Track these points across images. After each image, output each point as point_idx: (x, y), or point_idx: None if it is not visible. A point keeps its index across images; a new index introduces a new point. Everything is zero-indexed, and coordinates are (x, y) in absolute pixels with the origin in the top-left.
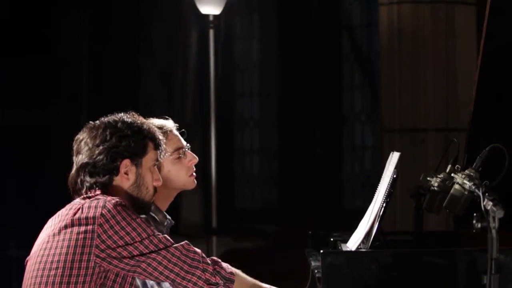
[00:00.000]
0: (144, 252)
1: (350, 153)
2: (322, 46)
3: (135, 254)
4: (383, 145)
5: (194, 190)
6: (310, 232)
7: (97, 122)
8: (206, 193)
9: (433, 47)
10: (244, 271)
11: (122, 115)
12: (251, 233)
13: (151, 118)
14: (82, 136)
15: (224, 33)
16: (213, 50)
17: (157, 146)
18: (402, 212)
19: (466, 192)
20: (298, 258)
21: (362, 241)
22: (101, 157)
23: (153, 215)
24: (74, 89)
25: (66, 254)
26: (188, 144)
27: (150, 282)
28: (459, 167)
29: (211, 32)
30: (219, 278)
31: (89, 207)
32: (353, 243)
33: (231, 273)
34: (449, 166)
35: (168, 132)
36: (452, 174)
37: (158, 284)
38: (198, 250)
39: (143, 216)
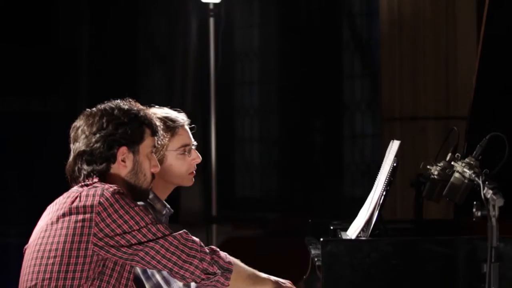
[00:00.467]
0: (142, 240)
1: (350, 142)
2: (322, 35)
3: (133, 242)
4: (383, 134)
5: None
6: (310, 220)
7: (94, 109)
8: (206, 181)
9: (434, 35)
10: (243, 259)
11: (118, 101)
12: (251, 221)
13: (165, 108)
14: (79, 124)
15: (224, 21)
16: (213, 38)
17: (154, 132)
18: (402, 200)
19: (466, 181)
20: (298, 246)
21: (362, 229)
22: (98, 145)
23: (152, 203)
24: (74, 77)
25: (64, 242)
26: (195, 142)
27: (150, 270)
28: (459, 155)
29: (211, 20)
30: (216, 268)
31: (87, 195)
32: (353, 231)
33: (229, 262)
34: (449, 154)
35: (180, 126)
36: (452, 163)
37: (159, 271)
38: (197, 239)
39: (141, 203)
